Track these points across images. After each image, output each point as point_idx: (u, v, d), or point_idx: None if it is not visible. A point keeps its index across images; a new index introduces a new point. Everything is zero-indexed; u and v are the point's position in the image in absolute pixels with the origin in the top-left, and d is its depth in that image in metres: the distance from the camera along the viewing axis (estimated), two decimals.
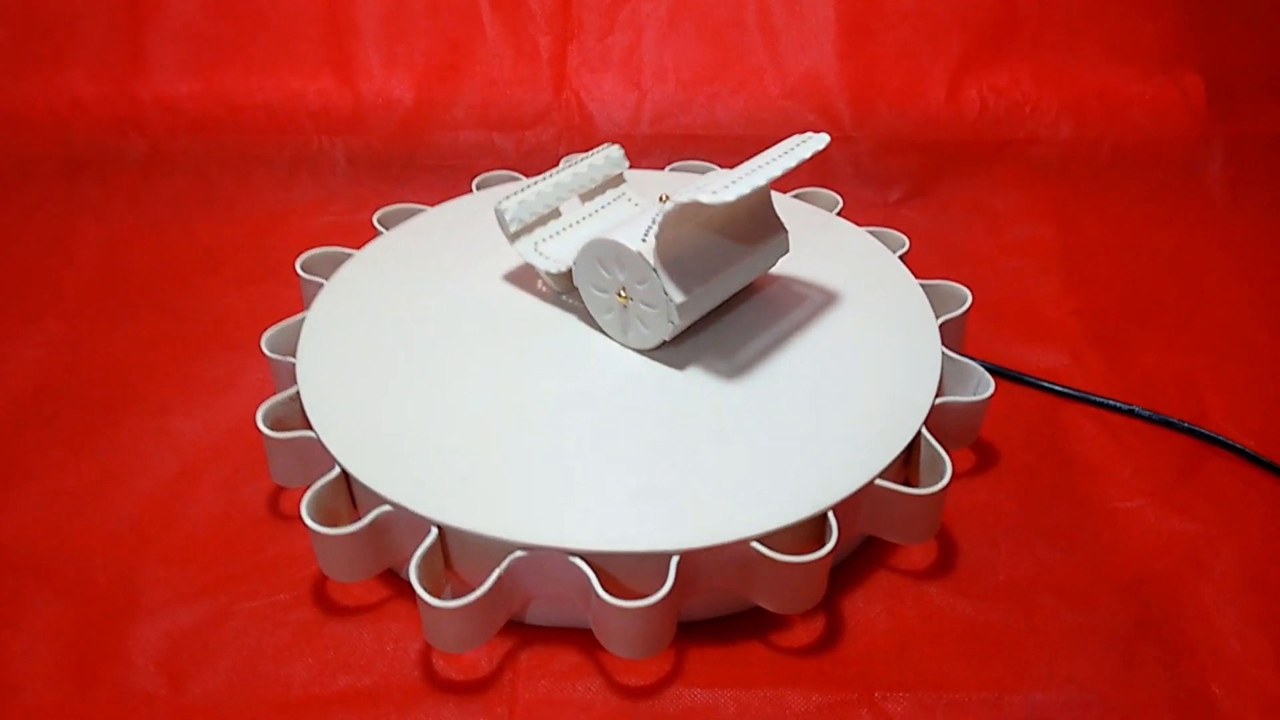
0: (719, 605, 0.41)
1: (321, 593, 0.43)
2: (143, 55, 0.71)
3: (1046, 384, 0.53)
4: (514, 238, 0.48)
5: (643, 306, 0.44)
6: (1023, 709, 0.38)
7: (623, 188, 0.52)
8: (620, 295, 0.44)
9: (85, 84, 0.71)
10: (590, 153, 0.51)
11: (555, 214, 0.50)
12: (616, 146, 0.52)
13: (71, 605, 0.42)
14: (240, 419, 0.51)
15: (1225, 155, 0.69)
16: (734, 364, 0.45)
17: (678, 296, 0.42)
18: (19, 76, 0.71)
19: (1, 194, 0.69)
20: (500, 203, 0.48)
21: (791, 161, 0.42)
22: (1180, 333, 0.57)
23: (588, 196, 0.51)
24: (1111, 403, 0.52)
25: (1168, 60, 0.71)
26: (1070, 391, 0.52)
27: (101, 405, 0.52)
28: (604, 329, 0.47)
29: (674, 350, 0.46)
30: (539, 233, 0.49)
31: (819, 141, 0.44)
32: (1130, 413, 0.51)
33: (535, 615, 0.41)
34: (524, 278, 0.51)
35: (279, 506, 0.47)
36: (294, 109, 0.71)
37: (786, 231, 0.48)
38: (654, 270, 0.42)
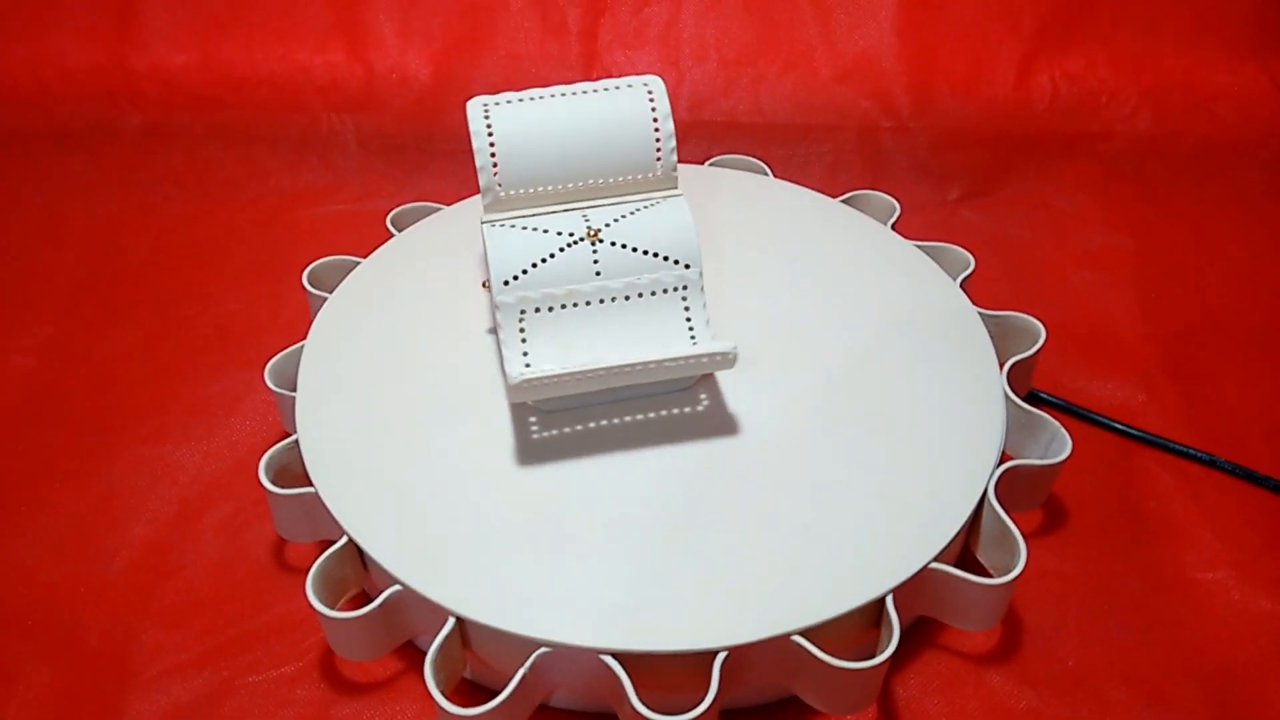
0: (756, 695, 0.38)
1: (329, 665, 0.39)
2: (137, 21, 0.66)
3: (1119, 426, 0.48)
4: None
5: None
6: None
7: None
8: None
9: (74, 52, 0.66)
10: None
11: None
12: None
13: (62, 668, 0.39)
14: (242, 448, 0.48)
15: None
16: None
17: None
18: (2, 44, 0.66)
19: None
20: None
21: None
22: (1266, 364, 0.52)
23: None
24: (1191, 451, 0.47)
25: (1259, 46, 0.64)
26: (1145, 436, 0.48)
27: (93, 427, 0.49)
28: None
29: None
30: None
31: None
32: (1211, 464, 0.47)
33: (560, 699, 0.38)
34: None
35: (284, 556, 0.43)
36: (301, 84, 0.65)
37: None
38: None
